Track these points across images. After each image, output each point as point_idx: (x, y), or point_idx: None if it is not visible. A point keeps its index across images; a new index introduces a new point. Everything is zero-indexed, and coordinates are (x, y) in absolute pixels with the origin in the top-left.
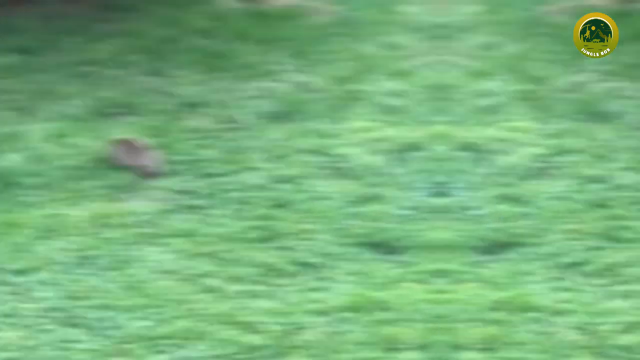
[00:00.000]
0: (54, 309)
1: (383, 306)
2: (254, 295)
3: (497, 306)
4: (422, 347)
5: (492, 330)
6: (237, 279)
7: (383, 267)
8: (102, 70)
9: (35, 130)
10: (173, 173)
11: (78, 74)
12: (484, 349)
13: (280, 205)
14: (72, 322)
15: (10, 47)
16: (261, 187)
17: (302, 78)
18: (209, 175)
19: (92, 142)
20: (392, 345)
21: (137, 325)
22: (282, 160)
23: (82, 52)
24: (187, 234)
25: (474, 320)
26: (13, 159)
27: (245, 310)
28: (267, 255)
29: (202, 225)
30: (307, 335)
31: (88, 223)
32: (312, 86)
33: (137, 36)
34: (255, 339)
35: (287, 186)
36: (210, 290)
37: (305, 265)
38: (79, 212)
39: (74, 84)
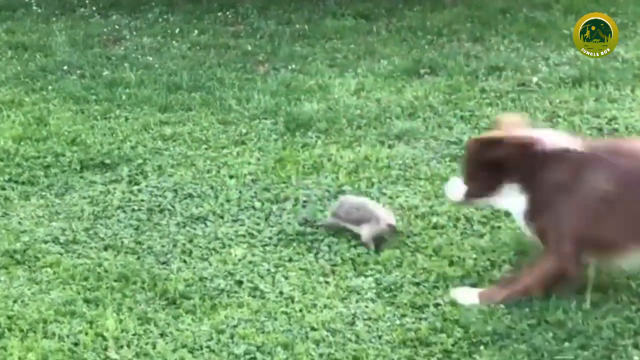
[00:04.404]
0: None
1: None
2: None
3: None
4: None
5: None
6: None
7: None
8: (427, 36)
9: (344, 84)
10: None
11: (403, 38)
12: None
13: None
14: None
15: (350, 12)
16: None
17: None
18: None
19: (389, 95)
20: None
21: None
22: (554, 119)
23: (419, 20)
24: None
25: None
26: (314, 107)
27: None
28: None
29: (452, 172)
30: None
31: (349, 164)
32: (618, 57)
33: (476, 7)
34: None
35: None
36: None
37: None
38: (346, 154)
39: (395, 46)
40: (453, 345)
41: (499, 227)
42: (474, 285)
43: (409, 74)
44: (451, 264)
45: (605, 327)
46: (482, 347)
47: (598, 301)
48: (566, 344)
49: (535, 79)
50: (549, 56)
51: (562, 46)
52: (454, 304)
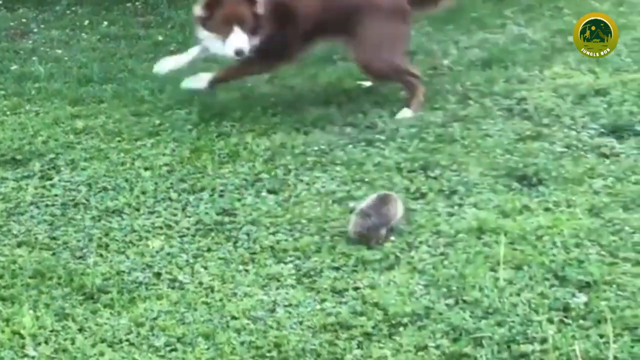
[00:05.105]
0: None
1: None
2: None
3: None
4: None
5: None
6: None
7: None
8: None
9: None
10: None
11: None
12: None
13: (445, 140)
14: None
15: None
16: (437, 125)
17: (521, 31)
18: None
19: (303, 82)
20: None
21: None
22: (465, 101)
23: None
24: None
25: None
26: (228, 96)
27: None
28: (416, 182)
29: (368, 156)
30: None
31: (266, 151)
32: (526, 38)
33: None
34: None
35: (458, 125)
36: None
37: (444, 191)
38: (262, 142)
39: None
40: (373, 327)
41: (415, 210)
42: (390, 269)
43: (322, 60)
44: (369, 247)
45: (520, 304)
46: (401, 328)
47: (512, 278)
48: (483, 322)
49: (446, 62)
50: (458, 39)
51: (472, 29)
52: (373, 287)
